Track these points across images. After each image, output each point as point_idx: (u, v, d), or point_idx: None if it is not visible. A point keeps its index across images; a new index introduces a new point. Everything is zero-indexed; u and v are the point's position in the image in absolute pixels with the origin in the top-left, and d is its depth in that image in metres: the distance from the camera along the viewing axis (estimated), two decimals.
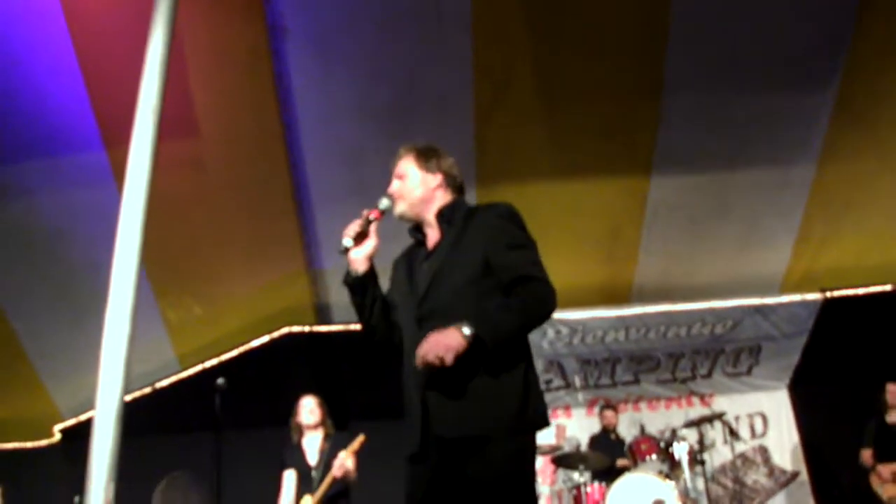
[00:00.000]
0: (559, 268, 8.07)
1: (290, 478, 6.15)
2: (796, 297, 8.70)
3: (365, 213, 3.04)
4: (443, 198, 3.09)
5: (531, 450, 2.85)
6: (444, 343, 2.63)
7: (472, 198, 7.36)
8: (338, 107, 6.75)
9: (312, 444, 6.23)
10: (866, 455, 7.58)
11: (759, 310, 8.70)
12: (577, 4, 6.30)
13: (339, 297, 8.16)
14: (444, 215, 3.05)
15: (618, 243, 8.14)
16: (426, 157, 3.11)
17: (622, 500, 6.88)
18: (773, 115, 7.21)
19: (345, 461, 5.98)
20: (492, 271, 2.85)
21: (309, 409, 6.29)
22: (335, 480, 6.01)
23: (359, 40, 6.44)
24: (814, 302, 8.71)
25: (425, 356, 2.63)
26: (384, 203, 3.07)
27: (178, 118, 6.37)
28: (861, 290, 8.75)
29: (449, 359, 2.60)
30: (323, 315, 8.33)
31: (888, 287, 8.77)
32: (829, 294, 8.67)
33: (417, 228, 3.13)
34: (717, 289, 8.61)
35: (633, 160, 7.43)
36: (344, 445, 6.16)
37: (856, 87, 7.05)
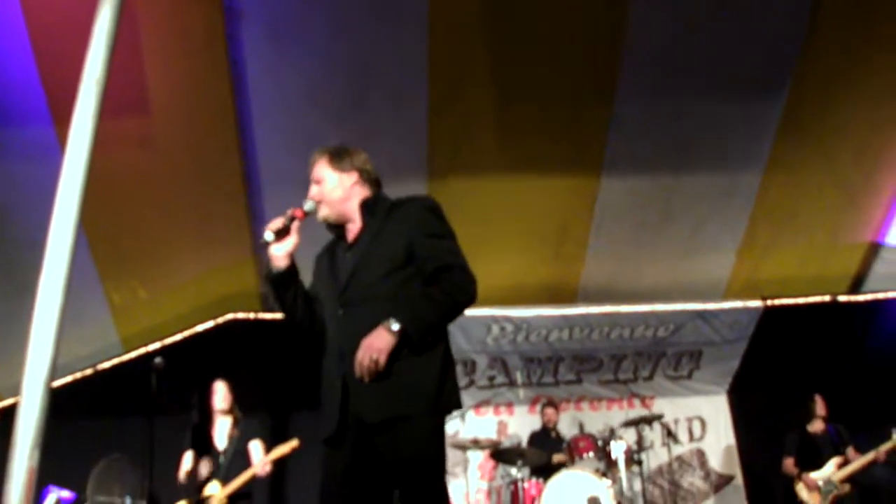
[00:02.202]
0: (506, 264, 8.25)
1: (187, 459, 6.19)
2: (738, 304, 8.86)
3: (289, 211, 3.17)
4: (361, 193, 3.21)
5: (443, 430, 2.96)
6: (376, 346, 2.77)
7: (422, 191, 7.50)
8: (291, 94, 6.71)
9: (222, 429, 6.36)
10: (788, 463, 7.74)
11: (701, 314, 8.85)
12: (534, 5, 6.34)
13: None
14: (367, 206, 3.16)
15: (565, 243, 8.21)
16: (339, 157, 3.24)
17: (558, 496, 6.97)
18: (721, 123, 7.31)
19: (269, 462, 6.05)
20: (413, 259, 2.98)
21: (222, 395, 6.39)
22: (254, 477, 6.07)
23: (314, 28, 6.41)
24: (755, 309, 8.89)
25: (361, 363, 2.77)
26: (309, 205, 3.19)
27: (129, 97, 6.31)
28: (801, 300, 8.93)
29: (382, 360, 2.77)
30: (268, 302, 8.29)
31: (827, 298, 8.97)
32: (769, 302, 8.85)
33: (338, 224, 3.24)
34: (662, 292, 8.73)
35: (583, 162, 7.50)
36: (253, 433, 6.21)
37: (803, 100, 7.15)
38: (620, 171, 7.60)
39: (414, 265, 3.00)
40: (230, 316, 8.20)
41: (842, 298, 9.03)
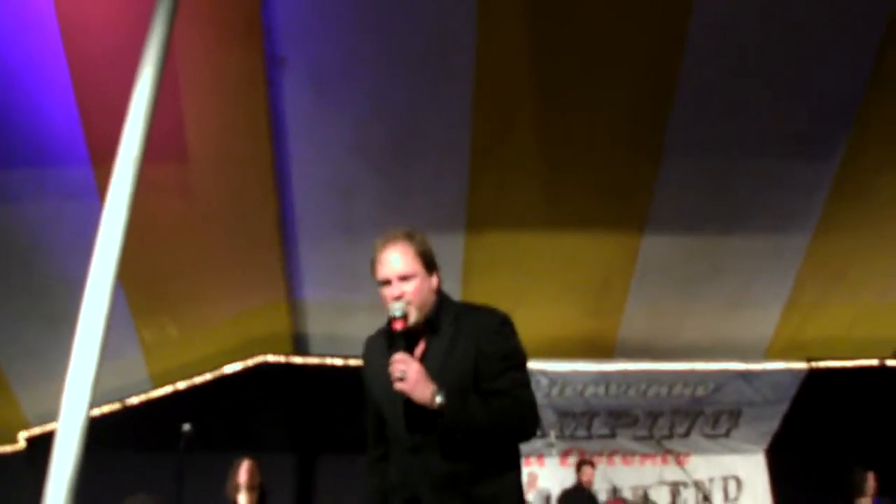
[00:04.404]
0: (544, 317, 8.09)
1: None
2: (781, 365, 8.62)
3: (394, 327, 2.73)
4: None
5: None
6: (419, 384, 2.60)
7: (460, 242, 7.42)
8: (331, 141, 6.64)
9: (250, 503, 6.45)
10: None
11: (742, 375, 8.63)
12: (583, 61, 6.23)
13: (317, 328, 8.08)
14: (431, 323, 2.81)
15: (605, 297, 8.04)
16: (429, 254, 2.84)
17: None
18: (772, 183, 7.14)
19: None
20: (478, 379, 2.74)
21: (250, 473, 6.45)
22: None
23: (358, 76, 6.34)
24: (799, 371, 8.65)
25: (397, 366, 2.62)
26: (399, 309, 2.73)
27: (168, 142, 6.29)
28: (848, 363, 8.66)
29: (402, 388, 2.61)
30: (300, 346, 8.20)
31: (874, 362, 8.68)
32: (814, 364, 8.60)
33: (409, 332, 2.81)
34: (702, 350, 8.52)
35: (627, 217, 7.35)
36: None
37: (857, 162, 7.00)
38: (665, 225, 7.44)
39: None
40: (260, 358, 8.11)
41: (890, 363, 8.72)
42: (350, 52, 6.27)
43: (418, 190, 6.90)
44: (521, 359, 2.83)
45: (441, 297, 2.87)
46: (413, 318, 2.74)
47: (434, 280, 2.84)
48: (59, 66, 5.89)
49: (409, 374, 2.60)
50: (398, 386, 2.61)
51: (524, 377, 2.79)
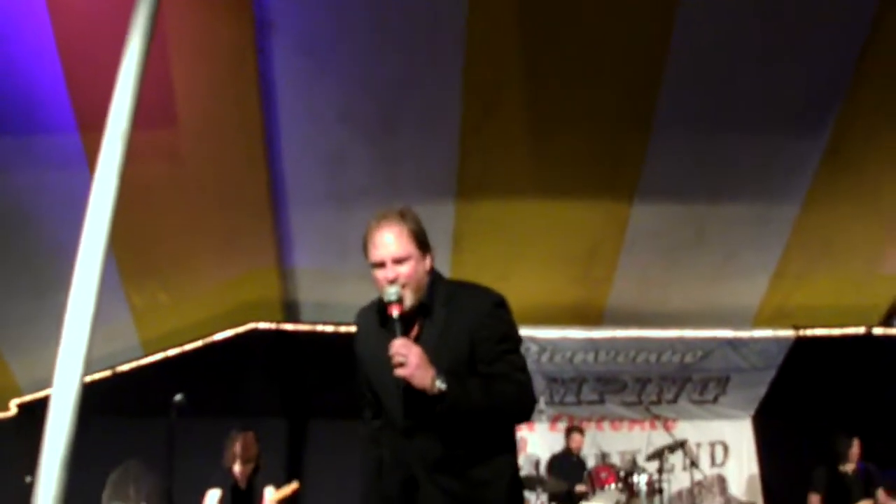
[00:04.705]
0: (534, 284, 8.12)
1: (213, 497, 6.44)
2: (768, 333, 8.69)
3: (391, 312, 2.67)
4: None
5: None
6: (419, 369, 2.55)
7: (450, 211, 7.41)
8: (321, 109, 6.59)
9: (244, 474, 6.55)
10: (815, 500, 7.61)
11: (730, 342, 8.70)
12: (574, 32, 6.17)
13: (308, 295, 8.09)
14: (424, 306, 2.77)
15: (594, 265, 8.05)
16: (422, 234, 2.78)
17: None
18: (762, 155, 7.15)
19: (274, 501, 6.35)
20: (474, 361, 2.71)
21: (243, 444, 6.55)
22: None
23: (348, 44, 6.28)
24: (786, 338, 8.72)
25: (397, 351, 2.57)
26: (394, 293, 2.68)
27: (157, 108, 6.21)
28: (834, 331, 8.73)
29: (403, 374, 2.56)
30: (290, 313, 8.21)
31: (860, 330, 8.75)
32: (801, 332, 8.66)
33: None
34: (690, 317, 8.57)
35: (616, 186, 7.34)
36: (269, 480, 6.59)
37: (847, 134, 7.00)
38: (655, 195, 7.44)
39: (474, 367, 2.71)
40: (251, 325, 8.11)
41: (876, 331, 8.79)
42: (340, 19, 6.20)
43: (408, 158, 6.88)
44: (517, 341, 2.81)
45: (434, 278, 2.82)
46: (408, 301, 2.69)
47: (428, 261, 2.78)
48: (44, 32, 5.80)
49: (410, 359, 2.56)
50: (399, 372, 2.57)
51: (520, 359, 2.76)
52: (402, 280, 2.68)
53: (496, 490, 2.73)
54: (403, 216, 2.75)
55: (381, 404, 2.91)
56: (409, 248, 2.70)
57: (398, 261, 2.69)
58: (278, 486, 6.61)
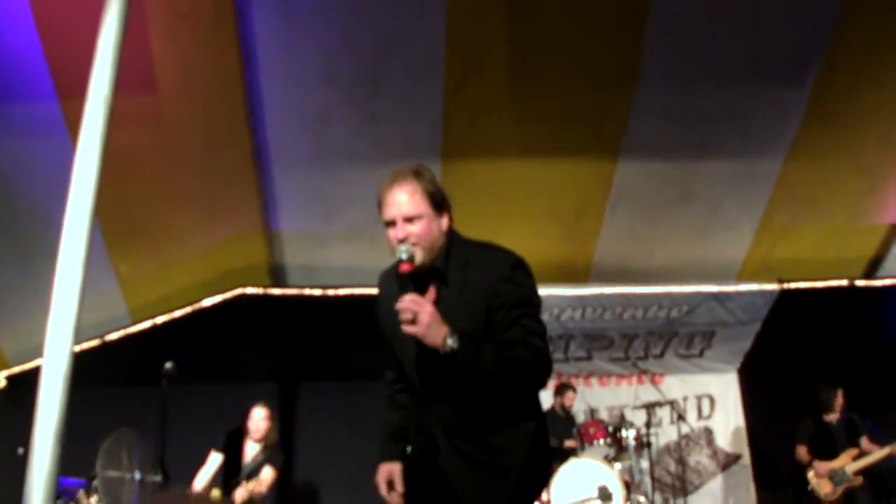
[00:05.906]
0: (520, 243, 7.96)
1: (215, 460, 6.54)
2: (753, 286, 8.73)
3: (403, 271, 2.64)
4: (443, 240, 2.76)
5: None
6: (430, 327, 2.49)
7: (435, 172, 7.35)
8: (303, 71, 6.53)
9: (252, 449, 6.65)
10: (802, 451, 7.74)
11: (715, 296, 8.73)
12: None
13: (294, 259, 8.08)
14: (438, 271, 2.73)
15: (580, 223, 8.07)
16: (439, 194, 2.73)
17: (567, 484, 6.97)
18: (745, 107, 7.12)
19: (254, 488, 6.25)
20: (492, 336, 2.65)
21: (260, 418, 6.67)
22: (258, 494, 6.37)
23: (329, 5, 6.21)
24: (770, 292, 8.76)
25: (406, 307, 2.52)
26: (405, 251, 2.64)
27: (137, 74, 6.14)
28: (818, 284, 8.79)
29: (414, 331, 2.51)
30: (277, 277, 8.20)
31: (844, 282, 8.82)
32: (785, 285, 8.72)
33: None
34: (676, 273, 8.61)
35: (601, 143, 7.32)
36: (273, 460, 6.63)
37: (830, 86, 6.97)
38: (639, 151, 7.42)
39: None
40: (239, 290, 8.10)
41: (859, 283, 8.87)
42: None
43: (392, 120, 6.84)
44: (534, 305, 2.74)
45: (450, 239, 2.77)
46: (419, 258, 2.66)
47: (444, 220, 2.74)
48: None
49: (421, 316, 2.49)
50: (408, 329, 2.52)
51: (537, 325, 2.68)
52: (412, 239, 2.65)
53: (516, 457, 2.70)
54: (418, 175, 2.72)
55: (403, 369, 2.90)
56: (422, 207, 2.67)
57: (409, 219, 2.66)
58: (278, 469, 6.66)
